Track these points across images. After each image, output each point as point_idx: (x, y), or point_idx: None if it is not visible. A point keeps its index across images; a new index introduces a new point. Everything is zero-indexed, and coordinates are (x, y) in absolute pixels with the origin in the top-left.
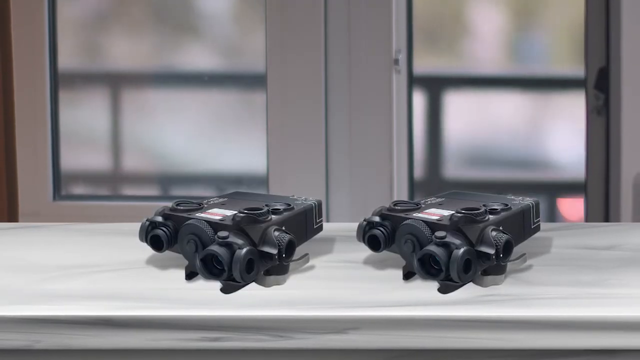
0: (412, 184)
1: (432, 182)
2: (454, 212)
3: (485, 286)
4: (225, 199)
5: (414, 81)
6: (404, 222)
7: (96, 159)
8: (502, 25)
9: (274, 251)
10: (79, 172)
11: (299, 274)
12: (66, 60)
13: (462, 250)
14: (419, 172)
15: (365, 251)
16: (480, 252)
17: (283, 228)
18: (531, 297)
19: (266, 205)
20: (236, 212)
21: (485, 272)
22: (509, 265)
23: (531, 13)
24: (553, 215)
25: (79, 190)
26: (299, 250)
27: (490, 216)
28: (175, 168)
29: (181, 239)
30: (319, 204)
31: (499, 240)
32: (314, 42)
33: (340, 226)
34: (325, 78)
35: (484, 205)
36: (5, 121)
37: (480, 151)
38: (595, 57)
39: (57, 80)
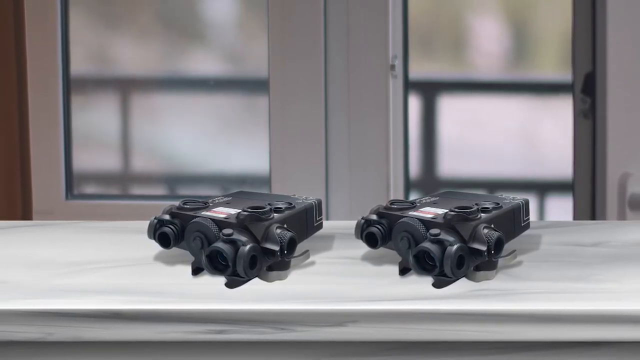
0: (408, 184)
1: (426, 182)
2: (447, 210)
3: (478, 281)
4: (230, 198)
5: (409, 85)
6: (400, 220)
7: (107, 160)
8: (494, 31)
9: (276, 248)
10: (91, 173)
11: (300, 270)
12: (78, 66)
13: (455, 247)
14: (414, 172)
15: (363, 248)
16: (473, 248)
17: (285, 226)
18: (521, 292)
19: (268, 204)
20: (240, 210)
21: (478, 268)
22: (500, 261)
23: (523, 20)
24: (542, 214)
25: (90, 189)
26: (300, 247)
27: (482, 214)
28: (182, 169)
29: (187, 236)
30: (319, 203)
31: (491, 237)
32: (314, 49)
33: (339, 224)
34: (325, 83)
35: (476, 204)
36: (20, 124)
37: (472, 152)
38: (582, 63)
39: (70, 85)
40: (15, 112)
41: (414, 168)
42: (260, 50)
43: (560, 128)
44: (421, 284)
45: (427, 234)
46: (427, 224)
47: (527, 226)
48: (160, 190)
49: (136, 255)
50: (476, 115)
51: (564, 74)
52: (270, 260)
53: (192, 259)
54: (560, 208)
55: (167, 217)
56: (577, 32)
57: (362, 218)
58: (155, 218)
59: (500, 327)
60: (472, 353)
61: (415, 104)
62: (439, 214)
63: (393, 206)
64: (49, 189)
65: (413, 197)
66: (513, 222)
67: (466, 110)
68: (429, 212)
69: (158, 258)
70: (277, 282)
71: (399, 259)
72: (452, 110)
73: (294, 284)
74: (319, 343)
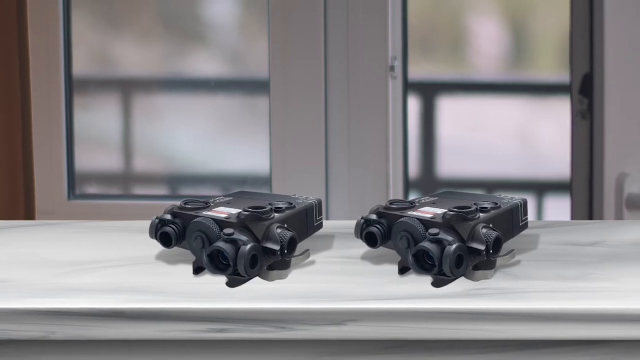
0: (407, 184)
1: (426, 182)
2: (446, 210)
3: (476, 280)
4: (231, 198)
5: (408, 86)
6: (399, 220)
7: (108, 160)
8: (493, 33)
9: (277, 247)
10: (93, 173)
11: (300, 269)
12: (80, 67)
13: (454, 246)
14: (413, 172)
15: (362, 247)
16: (472, 248)
17: (285, 225)
18: (519, 291)
19: (269, 204)
20: (241, 210)
21: (476, 267)
22: (499, 261)
23: (521, 22)
24: (540, 213)
25: (92, 189)
26: (300, 246)
27: (480, 214)
28: (183, 169)
29: (189, 236)
30: (319, 203)
31: (489, 236)
32: (314, 50)
33: (339, 224)
34: (325, 83)
35: (474, 204)
36: (22, 125)
37: (471, 152)
38: (579, 63)
39: (72, 86)
40: (18, 112)
41: (413, 168)
42: (260, 50)
43: (558, 128)
44: (420, 283)
45: (426, 233)
46: (426, 223)
47: (525, 226)
48: (161, 190)
49: (138, 254)
50: (475, 116)
51: (562, 75)
52: (271, 260)
53: (194, 258)
54: (558, 208)
55: (168, 216)
56: (574, 33)
57: (362, 218)
58: (156, 218)
59: (499, 326)
60: (471, 352)
61: (414, 104)
62: (437, 214)
63: (392, 206)
64: (51, 189)
65: (412, 197)
66: (511, 221)
67: (465, 111)
68: (428, 212)
69: (159, 257)
70: (277, 281)
71: (399, 258)
72: (451, 111)
73: (294, 283)
74: (319, 342)
